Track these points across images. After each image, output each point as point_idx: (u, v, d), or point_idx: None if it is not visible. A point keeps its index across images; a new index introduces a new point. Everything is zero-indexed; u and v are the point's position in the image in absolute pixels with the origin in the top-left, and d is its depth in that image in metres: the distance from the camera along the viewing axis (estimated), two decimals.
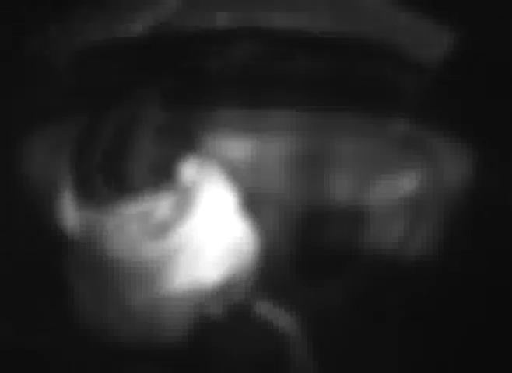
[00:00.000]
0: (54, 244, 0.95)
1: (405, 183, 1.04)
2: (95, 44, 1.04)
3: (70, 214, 0.92)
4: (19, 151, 1.10)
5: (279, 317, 0.97)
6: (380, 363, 1.02)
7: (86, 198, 0.90)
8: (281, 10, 0.98)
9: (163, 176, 0.90)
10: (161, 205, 0.89)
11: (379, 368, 1.02)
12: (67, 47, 1.08)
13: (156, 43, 0.99)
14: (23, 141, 1.10)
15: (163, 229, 0.89)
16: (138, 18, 0.99)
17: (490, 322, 1.07)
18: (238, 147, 0.99)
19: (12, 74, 1.15)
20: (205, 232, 0.91)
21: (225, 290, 0.92)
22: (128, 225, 0.89)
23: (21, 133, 1.10)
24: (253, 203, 0.94)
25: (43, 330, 1.03)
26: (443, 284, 1.10)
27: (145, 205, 0.89)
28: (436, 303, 1.08)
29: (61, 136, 1.05)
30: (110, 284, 0.91)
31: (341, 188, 1.01)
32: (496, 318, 1.08)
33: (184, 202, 0.90)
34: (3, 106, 1.14)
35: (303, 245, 1.01)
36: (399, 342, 1.04)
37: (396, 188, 1.04)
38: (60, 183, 0.95)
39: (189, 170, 0.92)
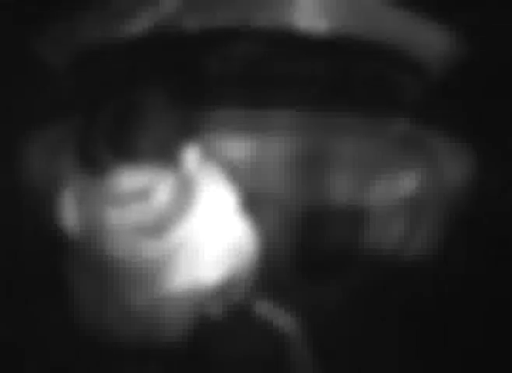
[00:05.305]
0: (54, 244, 0.95)
1: (405, 183, 1.04)
2: (95, 44, 1.04)
3: (70, 214, 0.93)
4: (19, 151, 1.10)
5: (279, 317, 0.97)
6: (380, 362, 1.02)
7: (89, 166, 0.90)
8: (281, 10, 0.98)
9: (164, 153, 0.90)
10: (160, 189, 0.89)
11: (379, 368, 1.02)
12: (67, 47, 1.08)
13: (156, 43, 0.99)
14: (23, 141, 1.10)
15: (162, 227, 0.89)
16: (138, 18, 0.99)
17: (490, 322, 1.07)
18: (238, 147, 1.00)
19: (12, 75, 1.15)
20: (205, 232, 0.91)
21: (225, 290, 0.92)
22: (128, 213, 0.88)
23: (21, 133, 1.10)
24: (253, 203, 0.94)
25: (43, 330, 1.03)
26: (442, 284, 1.10)
27: (145, 182, 0.89)
28: (436, 303, 1.08)
29: (61, 135, 1.05)
30: (110, 284, 0.91)
31: (341, 188, 1.01)
32: (496, 317, 1.08)
33: (184, 199, 0.90)
34: (3, 106, 1.14)
35: (303, 245, 1.01)
36: (399, 341, 1.04)
37: (396, 188, 1.04)
38: (60, 182, 0.95)
39: (190, 162, 0.92)
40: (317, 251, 1.02)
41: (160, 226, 0.89)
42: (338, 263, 1.04)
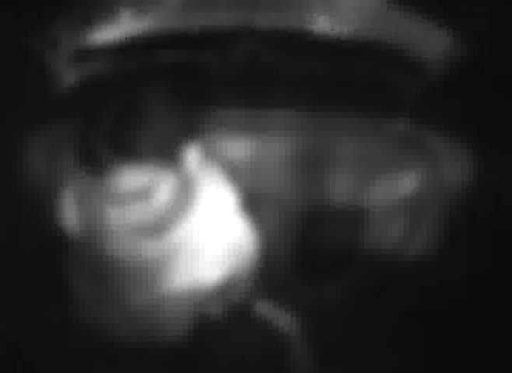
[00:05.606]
0: (54, 244, 0.95)
1: (405, 183, 1.04)
2: (95, 44, 1.04)
3: (70, 214, 0.93)
4: (19, 152, 1.10)
5: (279, 317, 0.97)
6: (379, 362, 1.02)
7: (89, 166, 0.90)
8: (281, 10, 0.98)
9: (164, 153, 0.90)
10: (160, 189, 0.89)
11: (378, 368, 1.02)
12: (67, 47, 1.08)
13: (156, 42, 0.99)
14: (23, 141, 1.10)
15: (162, 227, 0.89)
16: (138, 18, 0.99)
17: (490, 322, 1.07)
18: (238, 147, 0.99)
19: (12, 75, 1.14)
20: (205, 232, 0.91)
21: (225, 290, 0.92)
22: (128, 213, 0.89)
23: (21, 133, 1.10)
24: (253, 203, 0.94)
25: (42, 330, 1.03)
26: (442, 284, 1.10)
27: (146, 182, 0.89)
28: (436, 303, 1.08)
29: (61, 135, 1.05)
30: (110, 284, 0.91)
31: (341, 188, 1.01)
32: (496, 317, 1.08)
33: (184, 199, 0.90)
34: (3, 106, 1.14)
35: (302, 245, 1.01)
36: (399, 341, 1.04)
37: (396, 188, 1.04)
38: (60, 182, 0.95)
39: (190, 162, 0.92)
40: (316, 251, 1.02)
41: (160, 226, 0.89)
42: (338, 263, 1.03)
